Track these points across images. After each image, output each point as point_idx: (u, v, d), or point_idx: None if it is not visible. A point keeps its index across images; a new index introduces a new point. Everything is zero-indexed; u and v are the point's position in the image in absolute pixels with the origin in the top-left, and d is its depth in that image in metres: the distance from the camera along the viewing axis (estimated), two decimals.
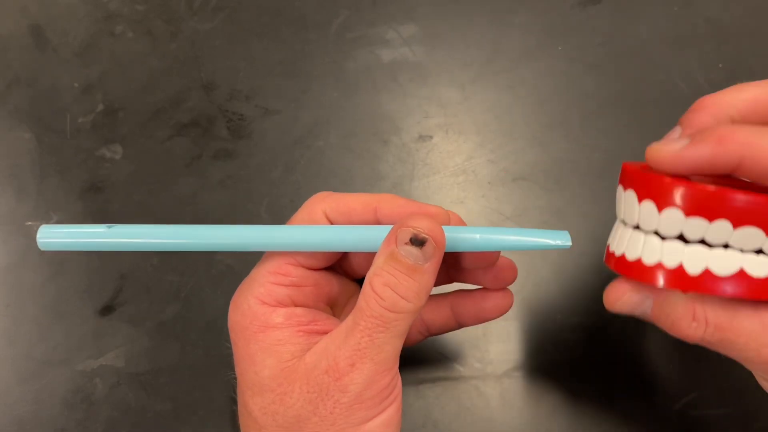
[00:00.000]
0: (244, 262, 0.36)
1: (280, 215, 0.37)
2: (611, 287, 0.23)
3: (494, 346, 0.34)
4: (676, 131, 0.23)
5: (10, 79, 0.42)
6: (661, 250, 0.21)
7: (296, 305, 0.25)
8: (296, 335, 0.24)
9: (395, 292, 0.22)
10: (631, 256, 0.22)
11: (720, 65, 0.39)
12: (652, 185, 0.21)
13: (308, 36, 0.42)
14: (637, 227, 0.22)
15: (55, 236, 0.24)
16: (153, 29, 0.43)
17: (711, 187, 0.20)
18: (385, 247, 0.23)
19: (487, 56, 0.41)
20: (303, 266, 0.25)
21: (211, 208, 0.38)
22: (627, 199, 0.22)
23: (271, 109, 0.40)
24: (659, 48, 0.40)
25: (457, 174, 0.38)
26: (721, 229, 0.20)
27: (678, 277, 0.21)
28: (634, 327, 0.34)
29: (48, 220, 0.38)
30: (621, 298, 0.23)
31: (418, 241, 0.22)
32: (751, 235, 0.20)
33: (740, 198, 0.20)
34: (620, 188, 0.23)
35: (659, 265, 0.21)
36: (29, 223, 0.38)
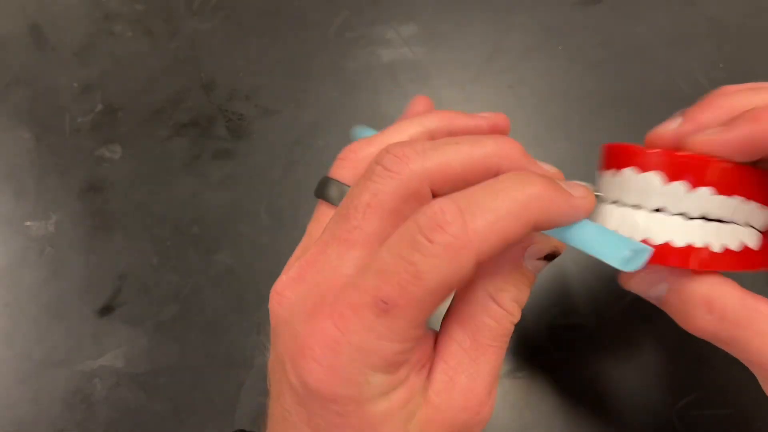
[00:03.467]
0: (243, 262, 0.36)
1: (279, 215, 0.37)
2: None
3: None
4: (677, 119, 0.22)
5: (9, 78, 0.42)
6: (690, 229, 0.20)
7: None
8: (416, 382, 0.20)
9: (520, 306, 0.20)
10: (656, 240, 0.21)
11: (720, 65, 0.39)
12: (692, 165, 0.20)
13: (308, 36, 0.42)
14: (657, 210, 0.21)
15: None
16: (152, 29, 0.43)
17: (730, 163, 0.20)
18: (507, 261, 0.20)
19: (487, 56, 0.41)
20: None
21: (211, 208, 0.38)
22: (646, 182, 0.21)
23: (271, 109, 0.40)
24: (660, 48, 0.40)
25: None
26: (748, 208, 0.20)
27: (705, 256, 0.20)
28: (635, 327, 0.33)
29: (47, 220, 0.38)
30: (637, 274, 0.21)
31: (552, 257, 0.21)
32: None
33: None
34: (629, 171, 0.21)
35: (689, 248, 0.20)
36: (28, 223, 0.38)
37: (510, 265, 0.20)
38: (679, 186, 0.20)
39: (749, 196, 0.21)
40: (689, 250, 0.20)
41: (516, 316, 0.20)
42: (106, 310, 0.35)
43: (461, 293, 0.21)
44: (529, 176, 0.19)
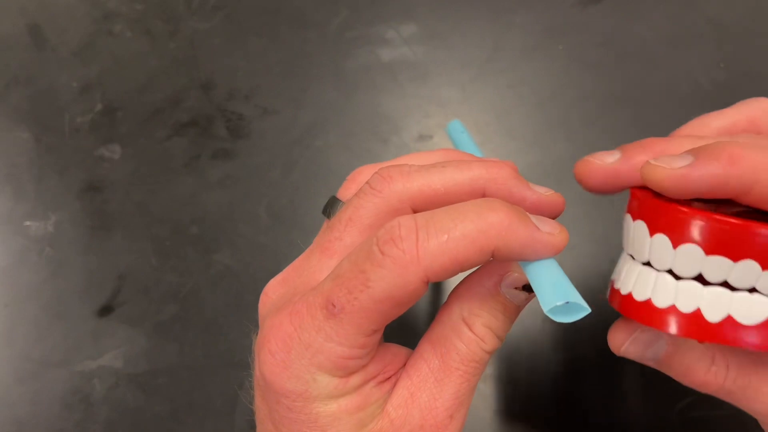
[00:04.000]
0: (243, 262, 0.36)
1: (279, 215, 0.37)
2: (616, 328, 0.20)
3: None
4: (615, 153, 0.21)
5: (9, 78, 0.42)
6: (676, 290, 0.19)
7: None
8: (372, 393, 0.20)
9: (495, 333, 0.20)
10: (639, 296, 0.19)
11: (721, 65, 0.39)
12: (667, 216, 0.18)
13: (307, 35, 0.42)
14: (647, 264, 0.20)
15: None
16: (152, 28, 0.43)
17: (737, 221, 0.17)
18: (483, 287, 0.20)
19: (487, 56, 0.41)
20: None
21: (210, 208, 0.38)
22: (636, 231, 0.20)
23: (270, 109, 0.40)
24: (660, 47, 0.40)
25: None
26: (747, 270, 0.17)
27: (694, 324, 0.18)
28: None
29: (46, 220, 0.38)
30: (628, 339, 0.20)
31: (531, 288, 0.20)
32: None
33: None
34: (628, 217, 0.20)
35: (672, 309, 0.18)
36: (27, 223, 0.38)
37: (486, 292, 0.20)
38: (663, 240, 0.19)
39: (760, 260, 0.18)
40: (670, 311, 0.19)
41: (488, 343, 0.20)
42: (105, 310, 0.35)
43: (439, 315, 0.21)
44: (493, 203, 0.19)
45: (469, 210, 0.18)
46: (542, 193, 0.22)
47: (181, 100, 0.41)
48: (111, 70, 0.42)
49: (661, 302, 0.19)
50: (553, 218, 0.20)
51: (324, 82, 0.41)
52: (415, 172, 0.21)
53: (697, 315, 0.18)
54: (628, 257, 0.21)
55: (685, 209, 0.18)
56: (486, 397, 0.33)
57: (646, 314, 0.19)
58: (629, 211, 0.20)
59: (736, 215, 0.18)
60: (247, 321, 0.35)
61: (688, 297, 0.18)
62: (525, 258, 0.19)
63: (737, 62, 0.39)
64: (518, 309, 0.21)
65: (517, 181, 0.21)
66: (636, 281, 0.19)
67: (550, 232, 0.19)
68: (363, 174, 0.24)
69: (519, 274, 0.20)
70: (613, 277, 0.21)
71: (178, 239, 0.37)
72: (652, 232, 0.19)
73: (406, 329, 0.23)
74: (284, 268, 0.34)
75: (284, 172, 0.38)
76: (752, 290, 0.18)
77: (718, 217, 0.17)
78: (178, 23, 0.43)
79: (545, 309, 0.18)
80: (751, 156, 0.17)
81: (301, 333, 0.19)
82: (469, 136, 0.28)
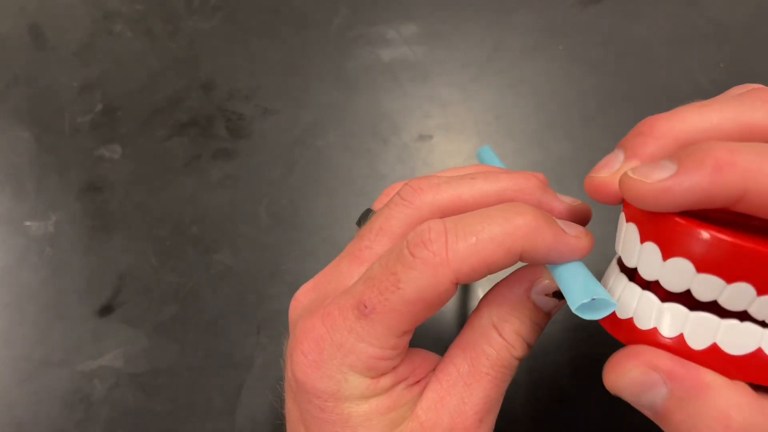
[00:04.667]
0: (243, 262, 0.36)
1: (279, 215, 0.37)
2: (614, 360, 0.18)
3: None
4: (617, 158, 0.19)
5: (9, 78, 0.42)
6: (659, 312, 0.17)
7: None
8: (403, 395, 0.20)
9: (524, 340, 0.20)
10: (622, 314, 0.18)
11: (721, 65, 0.39)
12: (660, 224, 0.17)
13: (308, 35, 0.42)
14: (634, 273, 0.18)
15: None
16: (152, 28, 0.43)
17: (735, 239, 0.16)
18: (514, 293, 0.20)
19: (487, 55, 0.41)
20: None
21: (211, 208, 0.37)
22: (628, 234, 0.18)
23: (271, 109, 0.40)
24: (660, 47, 0.40)
25: None
26: (741, 293, 0.16)
27: (676, 351, 0.17)
28: None
29: (47, 220, 0.38)
30: (627, 374, 0.17)
31: (562, 295, 0.20)
32: None
33: None
34: (622, 216, 0.19)
35: (654, 332, 0.17)
36: (28, 223, 0.38)
37: (516, 298, 0.20)
38: (653, 249, 0.17)
39: (756, 284, 0.16)
40: (652, 334, 0.17)
41: (517, 349, 0.20)
42: (105, 310, 0.35)
43: (469, 321, 0.21)
44: (521, 207, 0.19)
45: (496, 213, 0.19)
46: (569, 203, 0.22)
47: (181, 100, 0.41)
48: (111, 70, 0.42)
49: (642, 323, 0.17)
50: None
51: (324, 82, 0.41)
52: (445, 183, 0.21)
53: (680, 341, 0.17)
54: (616, 266, 0.20)
55: (680, 220, 0.16)
56: None
57: (628, 334, 0.18)
58: (624, 210, 0.19)
59: (736, 226, 0.17)
60: (247, 321, 0.35)
61: (671, 321, 0.17)
62: (552, 261, 0.19)
63: (737, 62, 0.39)
64: (548, 316, 0.21)
65: (545, 192, 0.22)
66: (620, 297, 0.18)
67: (577, 235, 0.19)
68: (397, 189, 0.25)
69: (549, 281, 0.20)
70: (603, 283, 0.20)
71: (179, 239, 0.37)
72: (643, 239, 0.17)
73: (435, 338, 0.23)
74: (284, 268, 0.34)
75: (284, 172, 0.38)
76: (743, 317, 0.16)
77: (715, 233, 0.16)
78: (178, 23, 0.43)
79: (573, 307, 0.18)
80: (740, 160, 0.15)
81: (333, 334, 0.19)
82: (499, 161, 0.29)
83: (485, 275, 0.19)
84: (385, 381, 0.20)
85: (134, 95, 0.41)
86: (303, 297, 0.23)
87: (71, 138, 0.40)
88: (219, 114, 0.40)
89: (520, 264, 0.20)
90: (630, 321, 0.18)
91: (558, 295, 0.20)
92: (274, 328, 0.34)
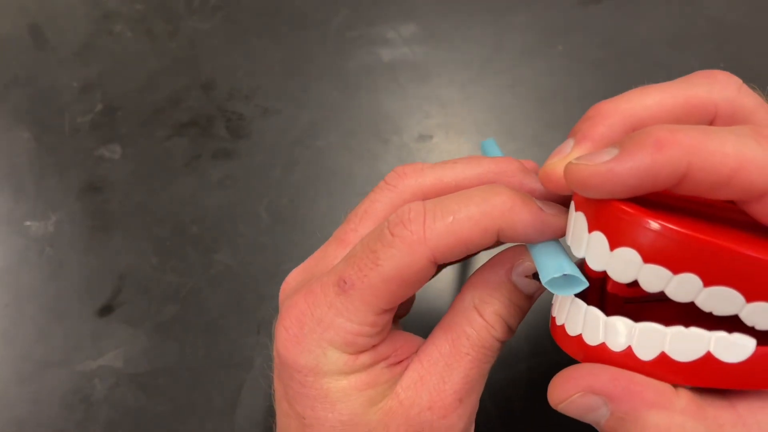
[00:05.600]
0: (243, 262, 0.36)
1: (279, 215, 0.37)
2: (558, 380, 0.18)
3: None
4: (568, 144, 0.20)
5: (9, 78, 0.42)
6: (605, 327, 0.17)
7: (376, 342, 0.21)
8: (383, 374, 0.21)
9: (505, 322, 0.20)
10: (571, 330, 0.18)
11: (721, 64, 0.39)
12: (605, 213, 0.16)
13: (308, 35, 0.42)
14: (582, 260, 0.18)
15: None
16: (152, 28, 0.43)
17: (679, 228, 0.15)
18: (495, 275, 0.21)
19: (487, 55, 0.41)
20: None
21: (211, 208, 0.37)
22: (576, 223, 0.18)
23: (271, 109, 0.40)
24: (660, 47, 0.40)
25: None
26: (687, 283, 0.16)
27: (628, 364, 0.17)
28: None
29: (47, 220, 0.38)
30: (567, 398, 0.18)
31: None
32: (725, 297, 0.15)
33: (728, 250, 0.15)
34: (572, 205, 0.19)
35: (603, 347, 0.17)
36: (28, 222, 0.38)
37: (498, 279, 0.21)
38: (600, 239, 0.17)
39: (702, 274, 0.15)
40: (601, 349, 0.17)
41: (497, 330, 0.20)
42: (105, 310, 0.35)
43: (453, 304, 0.22)
44: (498, 188, 0.19)
45: (474, 194, 0.19)
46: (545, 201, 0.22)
47: (181, 99, 0.41)
48: (111, 70, 0.42)
49: (591, 339, 0.17)
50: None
51: (324, 82, 0.41)
52: (428, 168, 0.22)
53: (628, 353, 0.17)
54: None
55: (626, 208, 0.16)
56: (485, 397, 0.33)
57: (579, 350, 0.18)
58: (574, 199, 0.18)
59: (689, 215, 0.17)
60: (247, 321, 0.35)
61: (617, 334, 0.17)
62: (530, 239, 0.19)
63: (737, 62, 0.39)
64: (530, 299, 0.21)
65: (526, 174, 0.22)
66: (568, 313, 0.18)
67: (555, 213, 0.19)
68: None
69: (530, 263, 0.20)
70: (553, 300, 0.20)
71: (178, 239, 0.37)
72: (590, 228, 0.17)
73: (432, 324, 0.23)
74: (284, 268, 0.34)
75: (284, 172, 0.38)
76: (691, 324, 0.16)
77: (660, 222, 0.15)
78: (178, 23, 0.43)
79: (543, 281, 0.18)
80: (680, 138, 0.15)
81: (314, 309, 0.20)
82: (501, 153, 0.29)
83: (464, 254, 0.19)
84: (365, 358, 0.20)
85: (134, 95, 0.41)
86: (292, 280, 0.23)
87: (71, 138, 0.40)
88: (219, 114, 0.40)
89: (505, 247, 0.21)
90: (580, 337, 0.18)
91: (538, 276, 0.20)
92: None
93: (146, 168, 0.39)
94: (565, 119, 0.39)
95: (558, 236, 0.19)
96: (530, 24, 0.41)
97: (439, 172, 0.22)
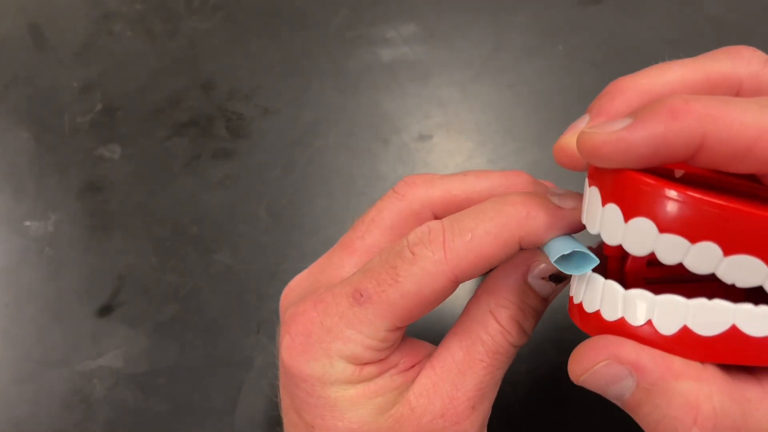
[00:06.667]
0: (243, 262, 0.36)
1: (279, 215, 0.37)
2: (580, 352, 0.17)
3: None
4: (584, 119, 0.19)
5: (9, 78, 0.42)
6: (624, 301, 0.16)
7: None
8: (392, 381, 0.20)
9: (521, 326, 0.20)
10: (589, 307, 0.17)
11: None
12: (617, 182, 0.16)
13: (308, 35, 0.42)
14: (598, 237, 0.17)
15: None
16: (152, 28, 0.43)
17: (694, 193, 0.15)
18: (511, 279, 0.20)
19: (487, 55, 0.41)
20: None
21: (211, 208, 0.37)
22: (591, 198, 0.17)
23: (271, 109, 0.40)
24: (660, 47, 0.40)
25: None
26: (706, 253, 0.15)
27: (647, 339, 0.16)
28: None
29: (46, 220, 0.38)
30: (590, 368, 0.16)
31: (559, 278, 0.20)
32: (747, 266, 0.15)
33: (746, 213, 0.14)
34: (586, 182, 0.18)
35: (622, 322, 0.16)
36: (27, 223, 0.38)
37: (513, 284, 0.20)
38: (615, 211, 0.16)
39: (722, 243, 0.15)
40: (620, 324, 0.16)
41: (514, 335, 0.20)
42: (105, 311, 0.35)
43: (466, 309, 0.21)
44: (511, 197, 0.19)
45: (488, 208, 0.19)
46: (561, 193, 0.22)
47: (181, 99, 0.41)
48: (111, 70, 0.42)
49: (609, 315, 0.17)
50: None
51: (324, 82, 0.41)
52: (438, 179, 0.22)
53: (649, 328, 0.16)
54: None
55: (636, 175, 0.15)
56: None
57: (598, 328, 0.17)
58: (588, 176, 0.18)
59: (719, 188, 0.16)
60: (247, 321, 0.35)
61: (637, 308, 0.16)
62: (554, 237, 0.19)
63: None
64: (545, 302, 0.21)
65: (537, 185, 0.22)
66: (585, 289, 0.18)
67: (574, 207, 0.19)
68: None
69: (546, 264, 0.20)
70: (570, 282, 0.20)
71: (178, 239, 0.37)
72: (604, 201, 0.16)
73: (444, 331, 0.23)
74: (284, 268, 0.35)
75: (284, 172, 0.38)
76: (718, 294, 0.16)
77: (677, 188, 0.15)
78: (178, 23, 0.43)
79: (552, 259, 0.18)
80: (696, 107, 0.15)
81: (323, 318, 0.19)
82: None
83: (486, 269, 0.19)
84: (372, 368, 0.20)
85: (134, 95, 0.41)
86: (296, 286, 0.23)
87: (71, 138, 0.40)
88: (219, 114, 0.40)
89: None
90: (598, 314, 0.17)
91: (554, 278, 0.20)
92: (274, 328, 0.34)
93: (146, 168, 0.39)
94: (565, 119, 0.39)
95: (577, 231, 0.19)
96: (530, 24, 0.41)
97: (448, 183, 0.22)
